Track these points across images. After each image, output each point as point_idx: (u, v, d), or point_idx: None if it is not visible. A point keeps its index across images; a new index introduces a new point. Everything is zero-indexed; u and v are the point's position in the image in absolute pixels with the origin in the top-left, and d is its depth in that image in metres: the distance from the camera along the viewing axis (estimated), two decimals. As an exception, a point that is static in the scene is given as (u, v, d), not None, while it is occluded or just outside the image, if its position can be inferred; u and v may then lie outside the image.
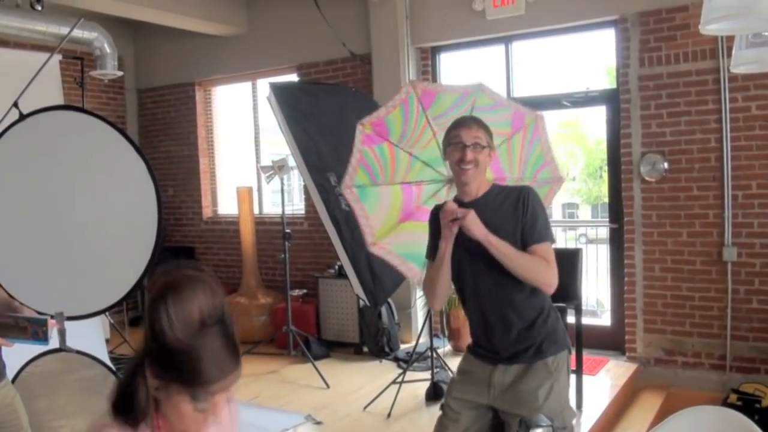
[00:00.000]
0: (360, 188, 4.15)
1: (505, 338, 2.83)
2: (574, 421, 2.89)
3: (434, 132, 3.88)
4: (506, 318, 2.82)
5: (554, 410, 2.72)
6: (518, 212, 2.79)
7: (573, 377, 4.87)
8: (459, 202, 2.86)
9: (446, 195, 3.75)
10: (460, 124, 2.88)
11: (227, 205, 8.75)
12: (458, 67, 7.14)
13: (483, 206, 2.80)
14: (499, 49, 6.60)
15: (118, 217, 3.82)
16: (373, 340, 6.58)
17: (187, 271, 1.53)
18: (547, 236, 2.81)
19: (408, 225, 4.18)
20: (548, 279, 2.76)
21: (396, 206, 4.18)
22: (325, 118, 5.39)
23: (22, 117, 4.23)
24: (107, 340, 6.90)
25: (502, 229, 2.74)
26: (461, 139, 2.81)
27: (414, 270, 4.36)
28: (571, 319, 4.91)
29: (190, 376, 1.44)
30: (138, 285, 4.22)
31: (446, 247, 2.80)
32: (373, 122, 4.00)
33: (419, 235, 3.91)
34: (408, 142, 4.01)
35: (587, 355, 5.59)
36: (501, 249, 2.69)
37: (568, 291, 4.91)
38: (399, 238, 4.22)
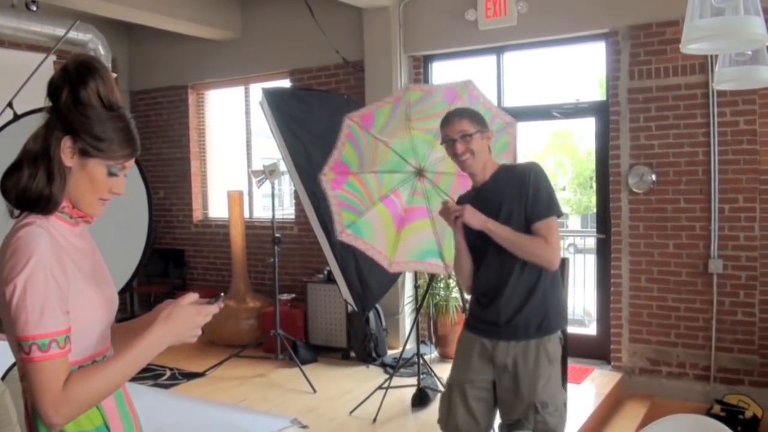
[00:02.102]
0: (352, 226, 4.26)
1: (496, 310, 3.01)
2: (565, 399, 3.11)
3: (385, 143, 4.21)
4: (499, 290, 3.00)
5: (550, 396, 2.93)
6: (522, 189, 2.95)
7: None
8: (474, 188, 3.13)
9: (422, 186, 4.15)
10: (444, 122, 3.09)
11: (217, 209, 8.77)
12: (450, 76, 7.19)
13: (491, 188, 3.05)
14: (491, 59, 6.66)
15: (109, 218, 3.83)
16: (361, 346, 6.60)
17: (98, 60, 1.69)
18: (549, 212, 2.95)
19: (407, 229, 4.29)
20: (548, 256, 2.92)
21: (388, 222, 4.29)
22: (316, 124, 5.42)
23: (17, 117, 4.27)
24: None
25: (508, 207, 2.95)
26: (449, 136, 3.03)
27: (436, 264, 4.52)
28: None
29: (117, 144, 1.63)
30: (127, 287, 4.25)
31: (460, 239, 3.10)
32: (333, 166, 4.28)
33: (421, 232, 4.07)
34: (367, 164, 4.18)
35: (573, 363, 5.64)
36: (500, 233, 2.91)
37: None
38: (407, 246, 4.38)
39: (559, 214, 2.99)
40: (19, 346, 1.49)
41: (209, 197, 8.89)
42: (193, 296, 1.68)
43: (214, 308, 1.68)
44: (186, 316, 1.64)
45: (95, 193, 1.66)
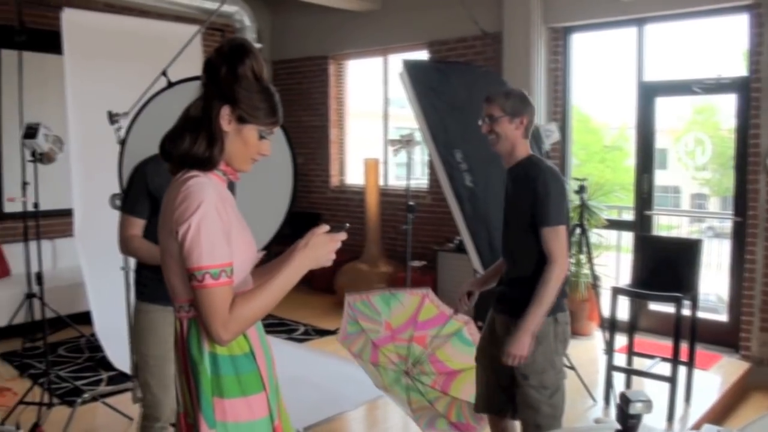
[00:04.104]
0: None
1: (503, 284, 3.23)
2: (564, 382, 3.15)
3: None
4: (507, 266, 3.21)
5: (532, 370, 3.01)
6: (526, 192, 3.03)
7: (684, 368, 4.90)
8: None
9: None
10: (484, 101, 3.18)
11: (353, 175, 9.08)
12: (589, 49, 7.11)
13: (511, 176, 3.17)
14: (632, 31, 6.52)
15: (258, 180, 4.07)
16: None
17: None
18: (549, 221, 2.98)
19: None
20: (560, 274, 2.98)
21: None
22: (454, 95, 5.53)
23: (170, 84, 4.60)
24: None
25: (516, 203, 3.11)
26: (482, 115, 3.15)
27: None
28: (686, 311, 4.88)
29: (267, 112, 1.92)
30: (269, 245, 4.54)
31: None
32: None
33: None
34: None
35: (701, 349, 5.54)
36: (540, 312, 2.97)
37: (684, 282, 4.89)
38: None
39: (559, 223, 2.98)
40: (192, 276, 1.76)
41: (346, 164, 9.21)
42: (325, 227, 1.93)
43: (342, 235, 1.94)
44: (322, 243, 1.91)
45: (248, 153, 1.95)
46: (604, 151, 15.87)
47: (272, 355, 2.07)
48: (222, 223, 1.80)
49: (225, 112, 1.88)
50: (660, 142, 11.42)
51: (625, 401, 2.57)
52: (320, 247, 1.90)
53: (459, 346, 3.92)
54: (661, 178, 12.95)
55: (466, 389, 3.79)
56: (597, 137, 16.45)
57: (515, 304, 3.06)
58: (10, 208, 6.66)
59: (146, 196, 3.08)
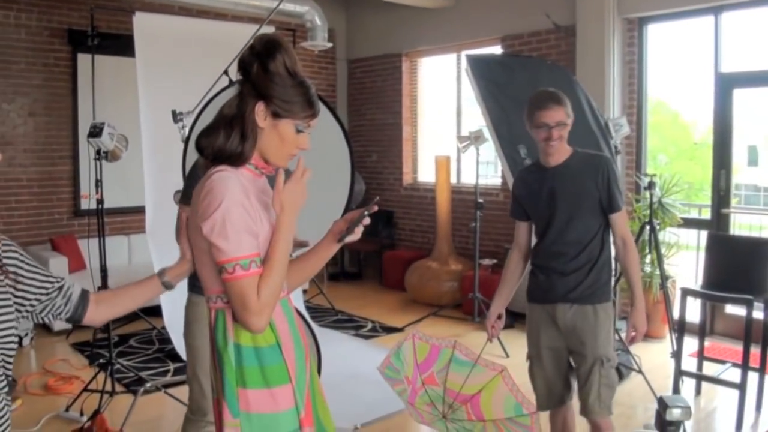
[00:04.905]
0: None
1: (560, 275, 3.20)
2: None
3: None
4: (565, 257, 3.18)
5: (610, 351, 3.15)
6: (597, 181, 3.11)
7: (756, 374, 4.68)
8: (542, 167, 3.23)
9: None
10: (542, 106, 3.11)
11: (427, 173, 9.02)
12: (665, 40, 6.87)
13: (565, 172, 3.17)
14: (708, 20, 6.26)
15: (317, 179, 4.08)
16: (558, 315, 6.56)
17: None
18: (621, 205, 3.17)
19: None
20: (636, 256, 3.24)
21: None
22: (518, 90, 5.42)
23: (231, 83, 4.67)
24: (305, 291, 7.43)
25: (583, 194, 3.13)
26: (546, 121, 3.09)
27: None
28: (758, 314, 4.57)
29: (303, 106, 1.91)
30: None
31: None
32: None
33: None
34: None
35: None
36: (641, 288, 3.23)
37: (757, 284, 4.63)
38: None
39: (623, 205, 3.21)
40: (223, 269, 1.78)
41: (419, 162, 9.16)
42: (281, 174, 1.91)
43: (303, 170, 1.91)
44: (292, 190, 1.88)
45: (285, 148, 1.95)
46: (694, 148, 15.33)
47: (305, 348, 2.05)
48: (247, 213, 1.82)
49: (260, 108, 1.90)
50: (751, 138, 10.91)
51: (663, 406, 2.46)
52: (291, 192, 1.89)
53: (460, 370, 3.88)
54: (751, 175, 12.38)
55: (496, 407, 3.78)
56: (686, 133, 15.88)
57: (593, 290, 3.15)
58: (86, 205, 6.92)
59: None
